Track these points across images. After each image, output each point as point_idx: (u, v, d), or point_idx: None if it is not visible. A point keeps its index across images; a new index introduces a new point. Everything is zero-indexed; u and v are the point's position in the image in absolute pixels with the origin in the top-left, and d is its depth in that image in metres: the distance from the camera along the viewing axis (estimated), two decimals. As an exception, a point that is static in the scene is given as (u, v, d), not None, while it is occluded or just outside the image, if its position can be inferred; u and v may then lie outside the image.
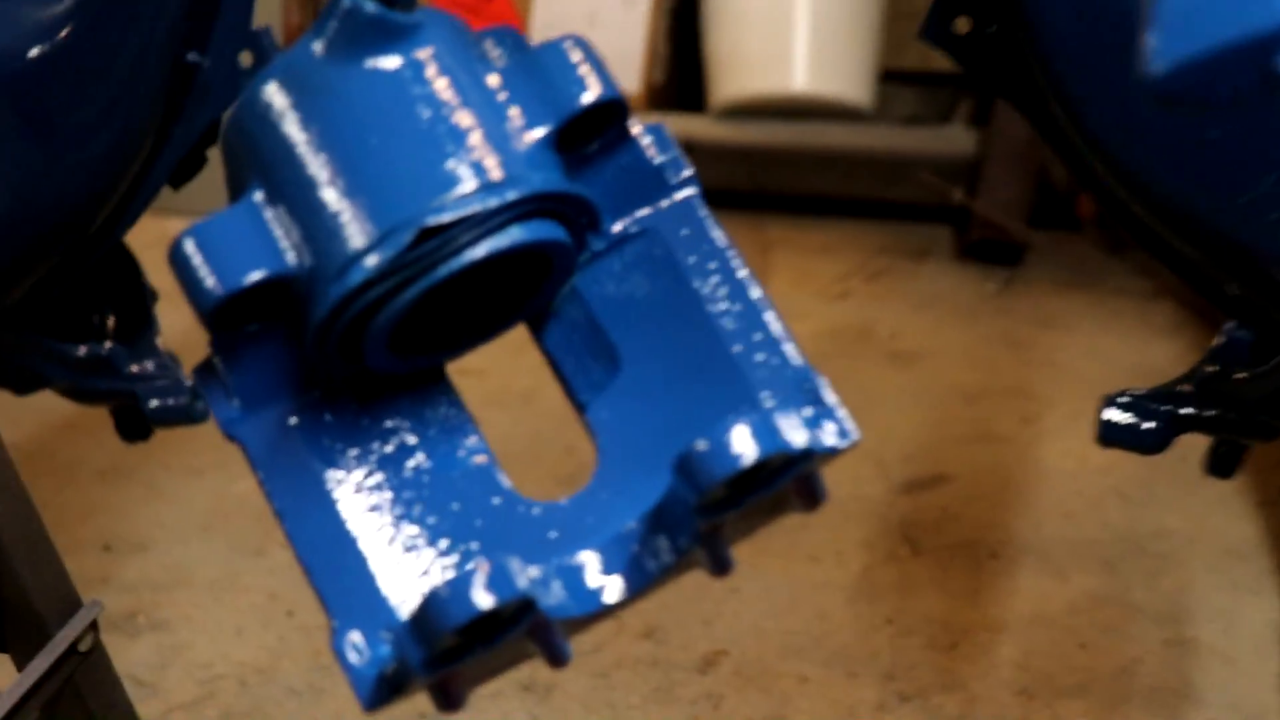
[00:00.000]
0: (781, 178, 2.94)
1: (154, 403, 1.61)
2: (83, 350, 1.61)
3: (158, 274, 1.78)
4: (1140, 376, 1.17)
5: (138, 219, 1.53)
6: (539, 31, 2.98)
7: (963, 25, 1.10)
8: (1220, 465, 1.26)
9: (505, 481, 0.69)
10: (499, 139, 0.64)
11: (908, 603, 1.87)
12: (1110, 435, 1.26)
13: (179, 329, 1.26)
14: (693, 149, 2.92)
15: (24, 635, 0.95)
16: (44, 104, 1.41)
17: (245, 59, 1.45)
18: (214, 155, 1.57)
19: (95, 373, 1.61)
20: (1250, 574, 1.89)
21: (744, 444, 0.61)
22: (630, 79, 2.99)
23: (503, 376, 2.15)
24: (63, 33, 1.39)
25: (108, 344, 1.62)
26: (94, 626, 0.98)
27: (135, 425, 1.65)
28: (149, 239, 1.69)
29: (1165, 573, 1.90)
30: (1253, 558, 1.91)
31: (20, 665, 0.95)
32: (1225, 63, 0.54)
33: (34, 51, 1.37)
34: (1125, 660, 1.77)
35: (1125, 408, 1.26)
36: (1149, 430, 1.22)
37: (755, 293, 0.71)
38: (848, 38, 2.90)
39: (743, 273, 0.71)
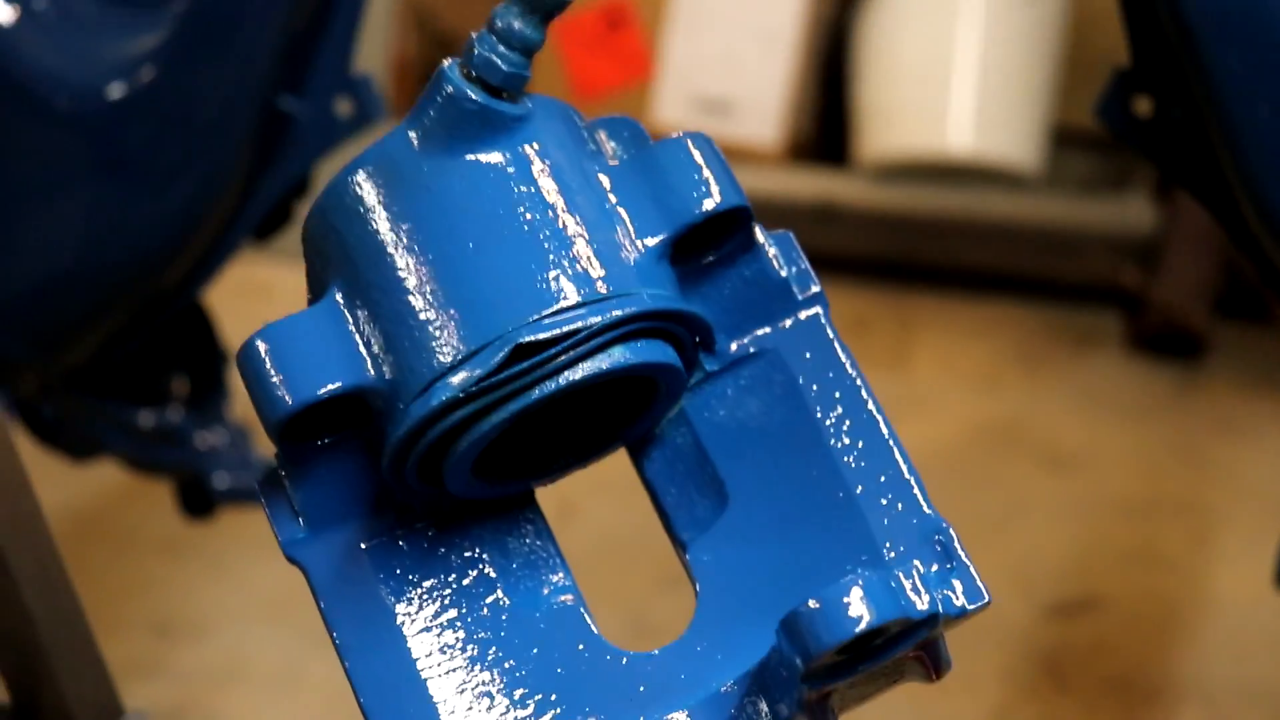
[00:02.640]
0: (932, 247, 2.93)
1: (222, 479, 1.65)
2: (149, 417, 1.65)
3: (237, 326, 1.83)
4: None
5: (216, 276, 1.57)
6: (671, 72, 3.00)
7: (1143, 107, 1.11)
8: None
9: (592, 626, 0.70)
10: (607, 248, 0.65)
11: (1049, 745, 1.86)
12: None
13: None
14: (835, 211, 2.92)
15: (60, 748, 0.97)
16: (122, 147, 1.45)
17: (343, 107, 1.49)
18: (302, 208, 1.61)
19: (160, 443, 1.65)
20: None
21: (860, 607, 0.60)
22: (767, 128, 3.00)
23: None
24: (146, 72, 1.43)
25: (176, 412, 1.67)
26: (137, 741, 0.99)
27: (199, 501, 1.69)
28: (228, 286, 1.73)
29: (1351, 731, 1.87)
30: None
31: (54, 779, 0.97)
32: None
33: (115, 91, 1.42)
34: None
35: None
36: None
37: (885, 429, 0.71)
38: (1016, 92, 2.89)
39: (871, 405, 0.71)
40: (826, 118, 3.06)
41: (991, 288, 2.91)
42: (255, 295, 2.71)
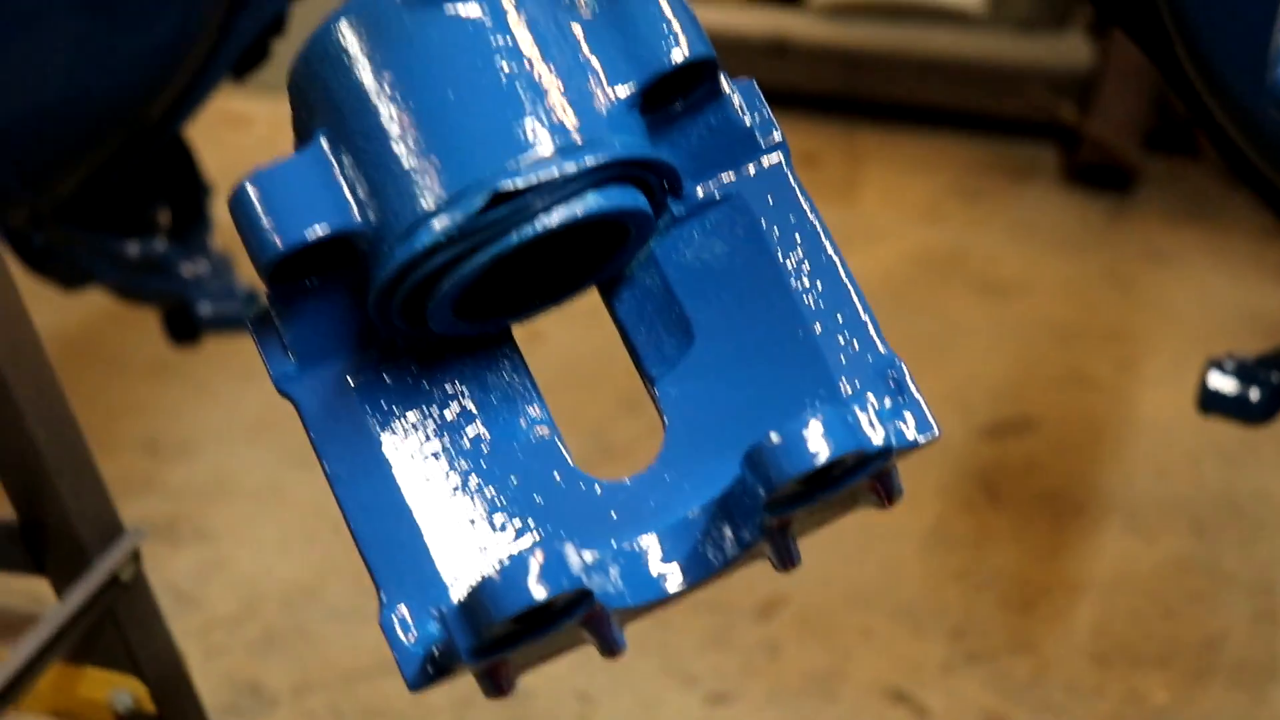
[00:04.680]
0: (879, 83, 2.91)
1: (205, 307, 1.65)
2: (135, 248, 1.64)
3: (216, 157, 1.80)
4: (1251, 323, 1.17)
5: (196, 111, 1.55)
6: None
7: None
8: None
9: (568, 456, 0.70)
10: (580, 98, 0.64)
11: (982, 556, 1.89)
12: (1212, 403, 1.26)
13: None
14: (787, 47, 2.90)
15: (63, 560, 0.97)
16: (104, -16, 1.42)
17: None
18: (279, 45, 1.59)
19: (146, 272, 1.64)
20: (1351, 548, 1.89)
21: (819, 441, 0.61)
22: (724, -35, 2.98)
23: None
24: None
25: (161, 242, 1.66)
26: (136, 557, 1.00)
27: (185, 327, 1.69)
28: (209, 119, 1.71)
29: (1261, 539, 1.90)
30: (1355, 532, 1.92)
31: (59, 590, 0.98)
32: None
33: (96, -70, 1.38)
34: (1211, 631, 1.78)
35: (1230, 373, 1.26)
36: (1255, 399, 1.23)
37: (842, 271, 0.70)
38: None
39: (830, 248, 0.70)
40: None
41: (935, 122, 2.90)
42: (235, 126, 2.68)
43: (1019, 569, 1.87)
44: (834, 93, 2.92)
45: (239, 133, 2.67)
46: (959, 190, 2.71)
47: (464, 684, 0.67)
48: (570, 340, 2.02)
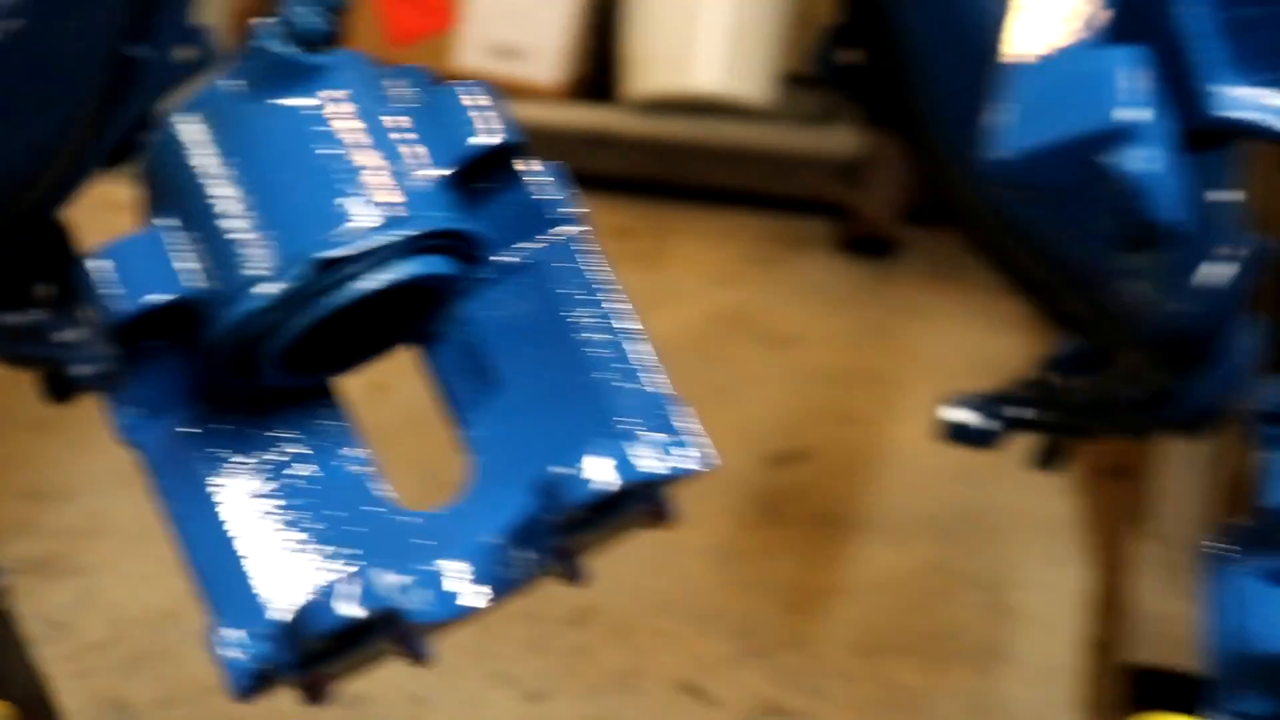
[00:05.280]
0: (685, 169, 2.92)
1: (79, 369, 1.63)
2: (14, 319, 1.63)
3: (95, 236, 1.80)
4: (990, 365, 1.21)
5: (72, 198, 1.54)
6: (471, 24, 2.96)
7: (849, 57, 1.12)
8: (1045, 458, 1.32)
9: (386, 490, 0.71)
10: (398, 178, 0.65)
11: (765, 567, 1.91)
12: (952, 434, 1.30)
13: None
14: (606, 139, 2.91)
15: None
16: (-7, 86, 1.42)
17: (185, 54, 1.47)
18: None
19: (25, 340, 1.63)
20: (1062, 547, 1.95)
21: (600, 473, 0.63)
22: (550, 70, 2.98)
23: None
24: (13, 23, 1.40)
25: (39, 314, 1.64)
26: (3, 593, 0.99)
27: (61, 387, 1.67)
28: (89, 202, 1.70)
29: (991, 545, 1.96)
30: (1065, 533, 1.97)
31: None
32: (1061, 155, 0.57)
33: (-15, 36, 1.38)
34: (951, 622, 1.82)
35: (967, 407, 1.30)
36: (987, 430, 1.27)
37: (625, 324, 0.71)
38: (751, 41, 2.89)
39: (615, 304, 0.72)
40: (599, 61, 3.04)
41: (731, 202, 2.91)
42: (111, 210, 2.65)
43: (795, 577, 1.89)
44: (646, 177, 2.92)
45: (115, 215, 2.64)
46: (750, 258, 2.73)
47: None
48: (412, 391, 2.02)
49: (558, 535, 0.66)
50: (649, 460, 0.65)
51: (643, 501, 0.67)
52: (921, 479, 2.08)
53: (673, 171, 2.93)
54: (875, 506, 2.04)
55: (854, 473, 2.11)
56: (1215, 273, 0.96)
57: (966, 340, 2.39)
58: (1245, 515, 0.74)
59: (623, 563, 1.88)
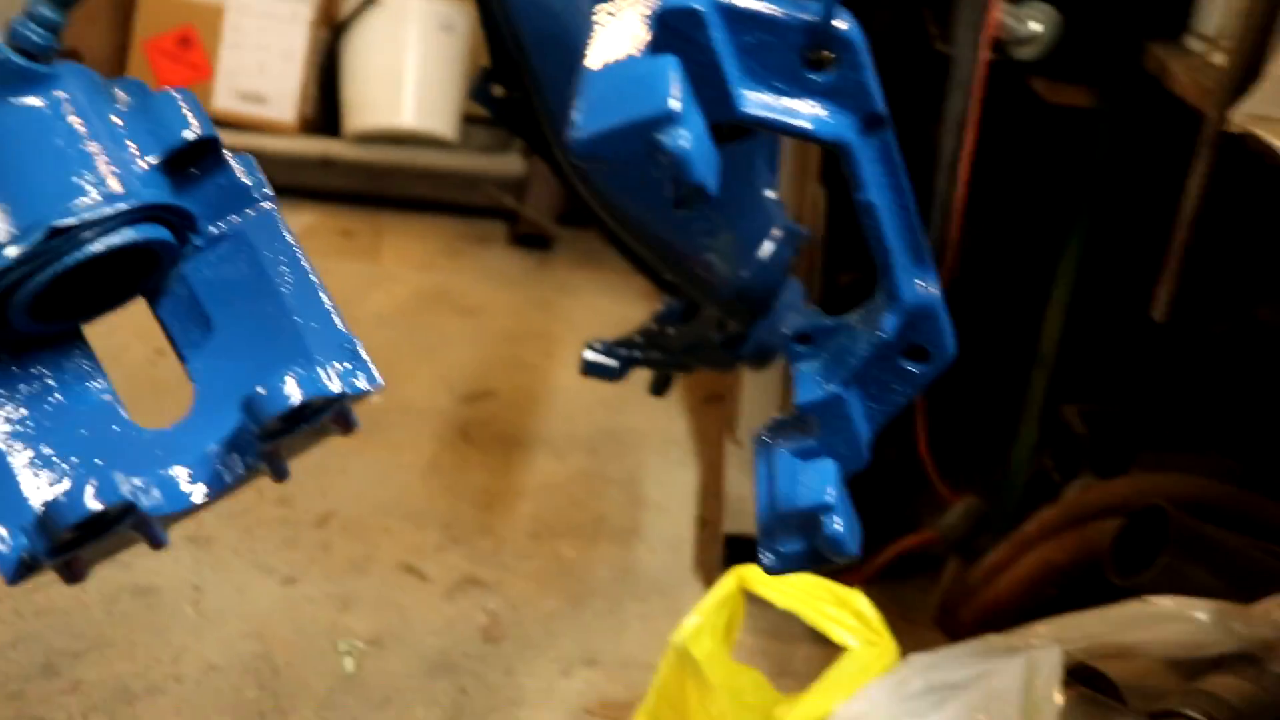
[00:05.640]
0: (393, 186, 2.87)
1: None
2: None
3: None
4: (619, 325, 1.21)
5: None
6: (223, 75, 2.81)
7: (498, 91, 1.10)
8: (658, 388, 1.34)
9: (125, 414, 0.65)
10: (120, 163, 0.60)
11: (462, 477, 1.90)
12: (587, 369, 1.30)
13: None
14: (332, 162, 2.81)
15: None
16: None
17: None
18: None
19: None
20: (679, 454, 2.01)
21: (292, 389, 0.60)
22: (287, 111, 2.86)
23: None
24: None
25: None
26: None
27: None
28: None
29: (627, 454, 1.99)
30: (680, 444, 2.03)
31: None
32: (621, 136, 0.56)
33: None
34: (600, 512, 1.85)
35: (597, 350, 1.31)
36: (613, 366, 1.28)
37: (313, 278, 0.68)
38: (441, 88, 2.87)
39: (305, 264, 0.68)
40: (326, 104, 2.94)
41: (430, 209, 2.88)
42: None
43: (486, 484, 1.88)
44: (364, 191, 2.86)
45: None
46: (445, 251, 2.71)
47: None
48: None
49: (262, 442, 0.62)
50: (328, 381, 0.62)
51: (329, 414, 0.63)
52: (575, 409, 2.10)
53: (384, 188, 2.88)
54: (542, 430, 2.04)
55: (526, 406, 2.11)
56: (769, 250, 1.00)
57: (604, 308, 2.43)
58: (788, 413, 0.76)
59: (355, 478, 1.84)
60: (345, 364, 0.65)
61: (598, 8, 0.63)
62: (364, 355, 0.67)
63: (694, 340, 1.23)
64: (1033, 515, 1.45)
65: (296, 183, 2.75)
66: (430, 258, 2.65)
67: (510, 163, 2.84)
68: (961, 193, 1.43)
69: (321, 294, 0.68)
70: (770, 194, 1.03)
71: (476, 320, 2.38)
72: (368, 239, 2.70)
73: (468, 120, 2.91)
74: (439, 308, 2.41)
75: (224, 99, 2.81)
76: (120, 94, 0.64)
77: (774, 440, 0.75)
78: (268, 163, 0.71)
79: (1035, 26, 1.40)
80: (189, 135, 0.64)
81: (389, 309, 2.35)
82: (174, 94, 0.64)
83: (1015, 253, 1.76)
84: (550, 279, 2.60)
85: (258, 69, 2.84)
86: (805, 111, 0.61)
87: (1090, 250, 1.52)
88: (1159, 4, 1.39)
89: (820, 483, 0.71)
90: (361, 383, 0.65)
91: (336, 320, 0.67)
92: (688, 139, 0.53)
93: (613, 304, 2.40)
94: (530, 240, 2.74)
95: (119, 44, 2.85)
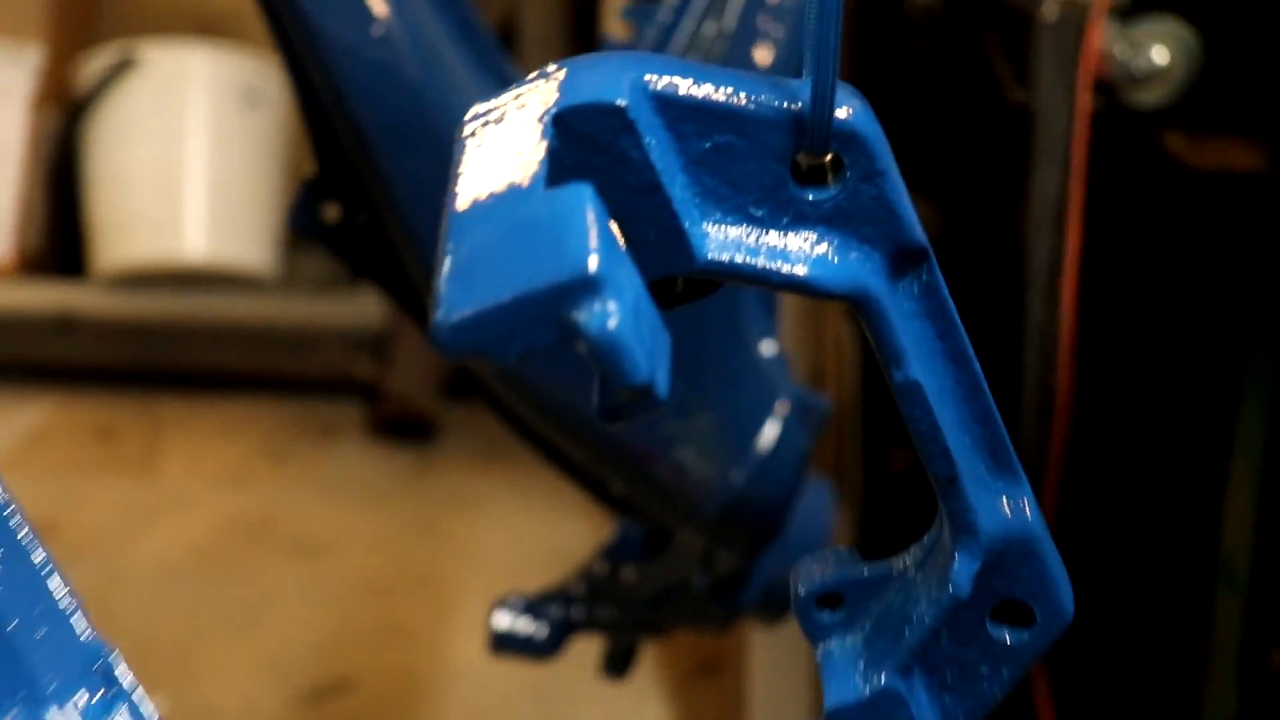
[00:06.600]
0: (176, 352, 2.87)
1: None
2: None
3: None
4: (554, 557, 1.19)
5: None
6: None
7: (332, 213, 1.09)
8: (616, 664, 1.30)
9: None
10: None
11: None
12: (500, 644, 1.26)
13: None
14: (74, 321, 2.80)
15: None
16: None
17: None
18: None
19: None
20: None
21: None
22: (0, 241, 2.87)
23: None
24: None
25: None
26: None
27: None
28: None
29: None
30: (664, 750, 1.98)
31: None
32: (510, 319, 0.53)
33: None
34: None
35: (516, 612, 1.27)
36: (539, 637, 1.24)
37: (38, 556, 0.66)
38: (245, 199, 2.90)
39: (23, 533, 0.66)
40: (60, 230, 2.94)
41: (238, 387, 2.88)
42: None
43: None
44: (129, 365, 2.86)
45: None
46: (266, 452, 2.68)
47: None
48: None
49: None
50: None
51: None
52: (488, 700, 2.04)
53: (161, 356, 2.87)
54: (433, 739, 1.98)
55: (408, 700, 2.06)
56: (772, 436, 0.99)
57: (527, 530, 2.41)
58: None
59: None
60: (100, 693, 0.63)
61: (469, 113, 0.60)
62: (126, 678, 0.63)
63: (665, 586, 1.20)
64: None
65: (16, 357, 2.72)
66: (242, 465, 2.62)
67: (361, 308, 2.85)
68: (1069, 324, 1.42)
69: (52, 578, 0.65)
70: (769, 348, 1.04)
71: (320, 564, 2.34)
72: (139, 440, 2.67)
73: (293, 244, 2.93)
74: (258, 546, 2.37)
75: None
76: None
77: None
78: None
79: (1158, 59, 1.41)
80: None
81: (176, 550, 2.32)
82: None
83: (1159, 409, 1.75)
84: (436, 488, 2.58)
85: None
86: (799, 251, 0.59)
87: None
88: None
89: None
90: None
91: (79, 623, 0.64)
92: (616, 315, 0.50)
93: (537, 523, 2.37)
94: (401, 427, 2.73)
95: None
